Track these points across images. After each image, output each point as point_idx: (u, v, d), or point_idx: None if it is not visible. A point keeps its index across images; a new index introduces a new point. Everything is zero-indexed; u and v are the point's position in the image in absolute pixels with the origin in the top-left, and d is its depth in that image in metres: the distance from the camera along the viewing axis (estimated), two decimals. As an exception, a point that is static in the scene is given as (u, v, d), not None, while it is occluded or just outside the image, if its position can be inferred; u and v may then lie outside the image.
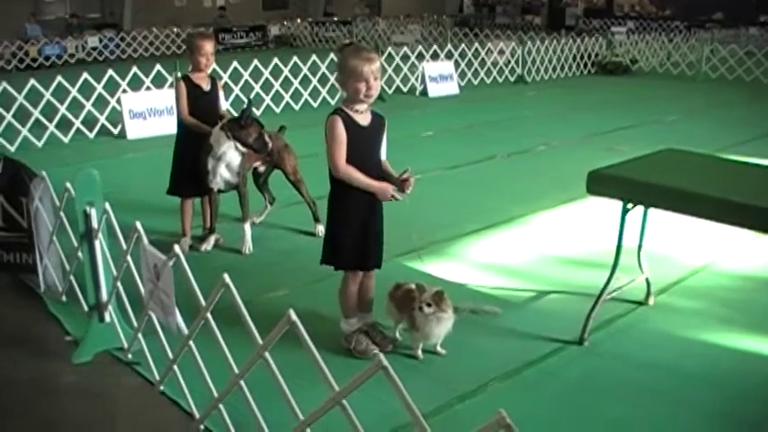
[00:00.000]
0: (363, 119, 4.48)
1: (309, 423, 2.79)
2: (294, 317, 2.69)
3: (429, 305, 4.41)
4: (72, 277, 5.16)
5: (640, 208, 4.89)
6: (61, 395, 4.32)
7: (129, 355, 4.55)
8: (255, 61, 14.35)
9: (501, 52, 19.45)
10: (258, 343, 2.98)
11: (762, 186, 4.45)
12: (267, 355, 2.96)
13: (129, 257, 4.24)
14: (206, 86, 6.53)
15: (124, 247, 4.20)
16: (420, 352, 4.63)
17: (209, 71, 6.62)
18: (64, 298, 5.39)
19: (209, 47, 6.45)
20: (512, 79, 18.77)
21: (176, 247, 3.57)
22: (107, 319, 4.62)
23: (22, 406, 4.22)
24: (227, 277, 3.13)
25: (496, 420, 2.00)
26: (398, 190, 4.51)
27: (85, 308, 4.79)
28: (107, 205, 4.41)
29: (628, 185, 4.56)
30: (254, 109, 6.56)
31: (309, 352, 2.62)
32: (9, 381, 4.48)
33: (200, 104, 6.41)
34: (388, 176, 4.60)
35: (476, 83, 18.06)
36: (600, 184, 4.66)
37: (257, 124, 6.31)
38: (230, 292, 3.08)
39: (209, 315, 3.35)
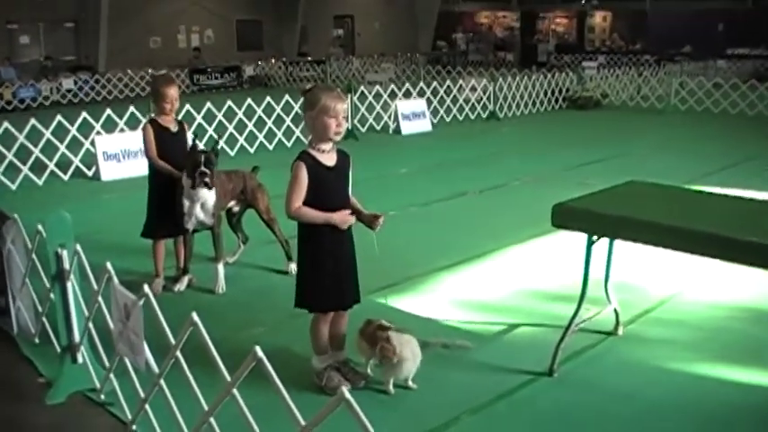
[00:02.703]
0: (329, 159, 4.55)
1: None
2: (260, 353, 2.74)
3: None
4: (44, 318, 5.18)
5: (606, 240, 5.00)
6: (34, 437, 4.33)
7: (102, 396, 4.56)
8: (229, 102, 14.45)
9: (473, 89, 19.71)
10: (226, 380, 3.02)
11: (725, 216, 4.55)
12: (235, 391, 3.00)
13: (100, 298, 4.27)
14: (174, 128, 6.58)
15: (95, 287, 4.23)
16: (391, 387, 4.67)
17: (174, 114, 6.65)
18: (37, 339, 5.39)
19: (173, 92, 6.49)
20: (484, 116, 18.96)
21: (146, 287, 3.61)
22: (80, 360, 4.64)
23: (-6, 449, 4.23)
24: (195, 316, 3.17)
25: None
26: (368, 227, 4.62)
27: (58, 349, 4.79)
28: (78, 247, 4.44)
29: (591, 218, 4.65)
30: (218, 146, 6.58)
31: (275, 387, 2.66)
32: (-18, 423, 4.49)
33: (169, 147, 6.45)
34: (357, 213, 4.68)
35: (448, 120, 18.25)
36: (564, 217, 4.76)
37: (201, 156, 6.25)
38: (198, 330, 3.12)
39: (179, 354, 3.39)
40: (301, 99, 4.65)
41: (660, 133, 16.39)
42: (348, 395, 2.39)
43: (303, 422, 2.60)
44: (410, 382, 4.71)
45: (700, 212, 4.64)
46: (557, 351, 4.92)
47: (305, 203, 4.47)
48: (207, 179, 6.17)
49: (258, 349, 2.75)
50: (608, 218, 4.59)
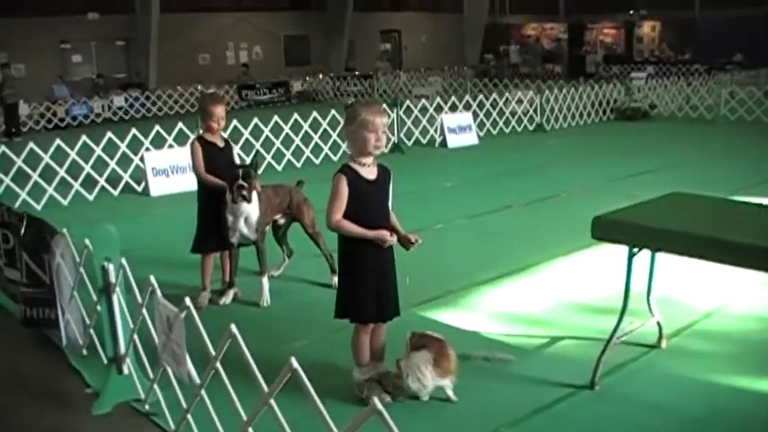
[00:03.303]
0: (370, 173, 4.62)
1: (313, 468, 2.88)
2: (296, 364, 2.79)
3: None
4: (92, 331, 5.31)
5: (648, 253, 4.97)
6: (81, 446, 4.44)
7: (147, 406, 4.66)
8: (276, 117, 14.60)
9: (519, 101, 19.64)
10: (264, 390, 3.07)
11: (768, 227, 4.49)
12: (273, 402, 3.05)
13: (144, 310, 4.37)
14: (221, 144, 6.71)
15: (139, 300, 4.33)
16: (426, 396, 4.71)
17: (221, 131, 6.78)
18: (84, 351, 5.53)
19: (220, 110, 6.62)
20: (531, 128, 18.91)
21: (187, 300, 3.69)
22: (125, 371, 4.74)
23: (42, 458, 4.34)
24: (233, 328, 3.24)
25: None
26: (403, 247, 4.67)
27: (105, 360, 4.91)
28: (123, 260, 4.55)
29: (630, 230, 4.63)
30: (257, 160, 6.68)
31: (310, 396, 2.71)
32: (32, 430, 4.60)
33: (216, 162, 6.55)
34: (395, 229, 4.74)
35: (495, 133, 18.23)
36: (604, 229, 4.74)
37: (240, 170, 6.36)
38: (237, 342, 3.19)
39: (218, 365, 3.46)
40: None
41: (709, 144, 16.18)
42: (380, 406, 2.42)
43: (336, 431, 2.64)
44: (450, 394, 4.73)
45: (742, 223, 4.58)
46: (598, 364, 4.90)
47: (345, 215, 4.54)
48: (244, 192, 6.26)
49: (294, 360, 2.80)
50: (648, 230, 4.56)
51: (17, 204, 10.27)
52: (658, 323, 5.44)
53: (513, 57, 41.71)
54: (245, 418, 3.31)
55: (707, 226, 4.51)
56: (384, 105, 15.67)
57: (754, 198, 7.97)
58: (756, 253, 4.09)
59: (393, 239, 4.64)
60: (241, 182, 6.24)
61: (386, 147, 14.01)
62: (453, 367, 4.68)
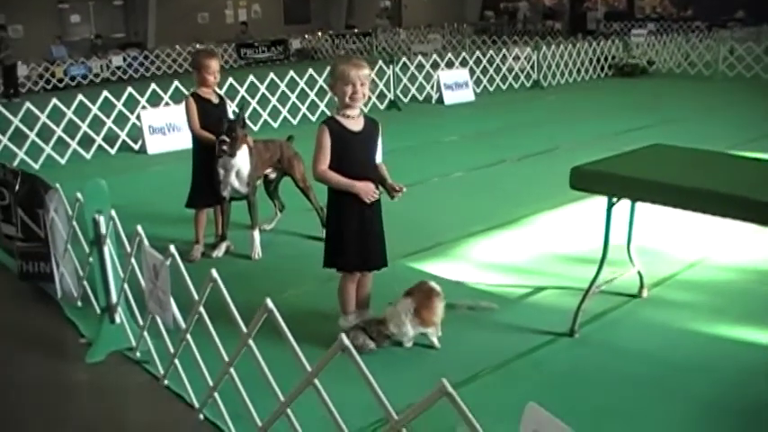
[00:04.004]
0: (355, 124, 4.73)
1: (288, 404, 3.01)
2: (271, 305, 2.91)
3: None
4: (85, 282, 5.44)
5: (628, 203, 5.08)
6: (75, 392, 4.60)
7: (138, 354, 4.81)
8: (272, 74, 14.62)
9: (516, 58, 19.60)
10: (243, 331, 3.20)
11: (750, 177, 4.53)
12: (252, 343, 3.18)
13: (133, 260, 4.49)
14: (215, 100, 6.78)
15: (129, 250, 4.46)
16: (408, 342, 4.87)
17: (215, 87, 6.84)
18: (79, 303, 5.66)
19: (215, 64, 6.69)
20: (528, 85, 18.91)
21: (172, 248, 3.81)
22: (117, 320, 4.87)
23: (38, 403, 4.49)
24: (214, 272, 3.36)
25: (438, 389, 2.19)
26: (388, 194, 4.79)
27: (98, 311, 5.04)
28: (113, 212, 4.66)
29: (609, 180, 4.72)
30: (243, 115, 6.71)
31: (284, 335, 2.83)
32: (28, 380, 4.76)
33: (211, 117, 6.60)
34: (381, 180, 4.86)
35: (492, 90, 18.23)
36: (583, 179, 4.83)
37: (225, 125, 6.40)
38: (217, 286, 3.31)
39: (202, 309, 3.58)
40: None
41: (706, 100, 16.20)
42: (347, 342, 2.55)
43: (309, 368, 2.76)
44: (434, 341, 4.87)
45: (722, 174, 4.63)
46: (577, 312, 5.02)
47: (331, 166, 4.66)
48: (225, 147, 6.31)
49: (269, 301, 2.92)
50: (626, 179, 4.63)
51: (15, 163, 10.34)
52: (639, 273, 5.55)
53: (526, 12, 41.17)
54: (226, 359, 3.44)
55: (686, 176, 4.57)
56: (380, 62, 15.68)
57: (749, 153, 8.05)
58: (736, 203, 4.13)
59: (376, 195, 4.76)
60: (222, 137, 6.30)
61: (382, 105, 14.01)
62: (434, 318, 4.81)
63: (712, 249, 6.56)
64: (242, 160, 6.51)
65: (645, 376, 4.49)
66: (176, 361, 4.10)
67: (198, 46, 26.52)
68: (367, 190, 4.70)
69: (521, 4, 41.84)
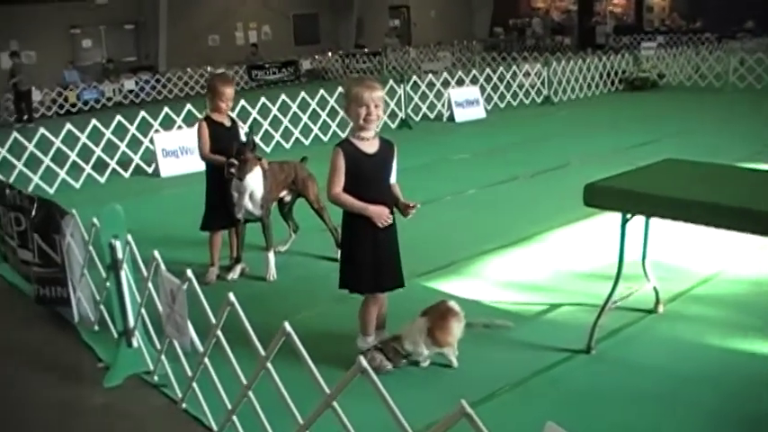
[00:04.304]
0: (370, 146, 4.75)
1: (307, 426, 3.02)
2: (289, 328, 2.92)
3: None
4: (102, 307, 5.47)
5: (643, 220, 5.08)
6: (93, 416, 4.62)
7: (156, 378, 4.83)
8: (283, 95, 14.69)
9: (527, 74, 19.64)
10: (261, 354, 3.21)
11: (761, 191, 4.55)
12: (270, 366, 3.19)
13: (150, 284, 4.52)
14: (227, 123, 6.83)
15: (145, 275, 4.49)
16: (425, 362, 4.89)
17: (228, 112, 6.90)
18: (96, 327, 5.70)
19: (230, 92, 6.75)
20: (538, 101, 18.92)
21: (189, 272, 3.83)
22: (135, 344, 4.90)
23: (56, 427, 4.53)
24: (231, 296, 3.38)
25: (458, 410, 2.20)
26: (401, 214, 4.80)
27: (115, 335, 5.07)
28: (129, 237, 4.69)
29: (623, 196, 4.73)
30: (251, 137, 6.74)
31: (302, 359, 2.84)
32: (45, 404, 4.80)
33: (223, 141, 6.62)
34: (395, 200, 4.88)
35: (502, 106, 18.26)
36: (597, 196, 4.84)
37: (234, 148, 6.43)
38: (234, 310, 3.33)
39: (219, 333, 3.60)
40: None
41: (717, 112, 16.18)
42: (366, 364, 2.56)
43: (328, 390, 2.77)
44: (452, 359, 4.88)
45: (735, 188, 4.64)
46: (594, 329, 5.02)
47: (345, 188, 4.68)
48: (233, 170, 6.34)
49: (287, 324, 2.93)
50: (639, 195, 4.64)
51: (30, 188, 10.43)
52: (655, 288, 5.54)
53: (537, 29, 41.25)
54: (245, 382, 3.46)
55: (698, 191, 4.58)
56: (391, 81, 15.74)
57: (760, 164, 8.02)
58: (749, 216, 4.15)
59: (390, 220, 4.77)
60: (231, 159, 6.34)
61: (393, 124, 14.05)
62: (448, 339, 4.81)
63: (727, 263, 6.54)
64: (255, 182, 6.55)
65: (662, 392, 4.48)
66: (194, 384, 4.11)
67: (209, 69, 26.79)
68: (381, 214, 4.71)
69: (534, 20, 41.94)
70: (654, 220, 5.13)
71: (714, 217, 4.33)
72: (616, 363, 4.86)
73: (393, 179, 4.95)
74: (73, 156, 11.97)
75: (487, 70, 18.90)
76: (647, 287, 5.52)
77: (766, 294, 5.91)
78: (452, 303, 4.96)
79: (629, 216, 4.90)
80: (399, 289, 5.02)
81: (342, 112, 14.83)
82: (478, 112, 17.13)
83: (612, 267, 5.18)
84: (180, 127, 13.48)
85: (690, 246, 6.86)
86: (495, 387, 4.59)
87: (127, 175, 12.30)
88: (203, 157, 6.71)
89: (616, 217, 4.97)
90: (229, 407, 3.73)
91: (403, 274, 5.01)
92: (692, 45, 27.62)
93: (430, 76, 18.06)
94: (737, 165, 7.50)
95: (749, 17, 34.24)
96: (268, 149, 13.29)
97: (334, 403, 2.76)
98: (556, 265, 6.80)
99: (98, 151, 12.28)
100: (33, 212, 5.98)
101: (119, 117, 12.94)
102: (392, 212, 4.83)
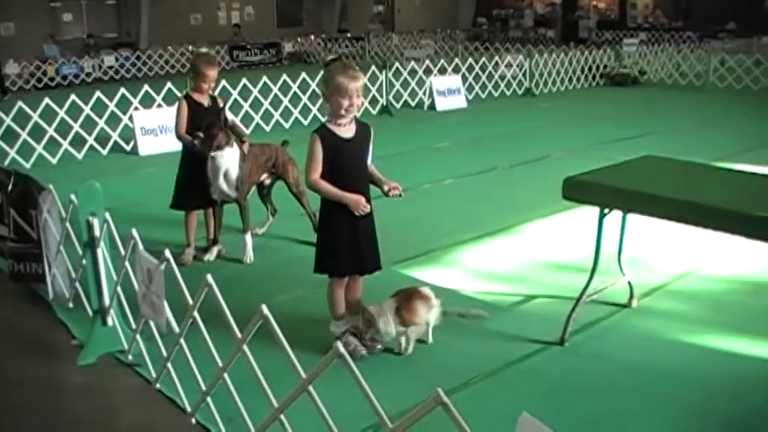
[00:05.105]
0: (347, 131, 4.74)
1: (282, 410, 3.03)
2: (266, 311, 2.92)
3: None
4: (78, 284, 5.44)
5: (620, 215, 5.12)
6: (66, 394, 4.60)
7: (130, 357, 4.81)
8: (265, 78, 14.63)
9: (509, 65, 19.65)
10: (238, 337, 3.21)
11: (738, 190, 4.62)
12: (246, 348, 3.19)
13: (127, 263, 4.50)
14: (207, 103, 6.80)
15: (123, 253, 4.47)
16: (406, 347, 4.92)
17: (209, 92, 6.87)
18: (71, 304, 5.67)
19: (213, 73, 6.72)
20: (520, 92, 18.96)
21: (166, 252, 3.82)
22: (110, 323, 4.88)
23: (30, 404, 4.50)
24: (209, 278, 3.38)
25: (433, 398, 2.22)
26: (384, 194, 4.81)
27: (90, 313, 5.04)
28: (107, 215, 4.67)
29: (601, 191, 4.76)
30: (224, 113, 6.71)
31: (279, 342, 2.85)
32: (19, 381, 4.77)
33: (200, 120, 6.58)
34: (376, 181, 4.88)
35: (484, 96, 18.28)
36: (575, 190, 4.87)
37: (204, 124, 6.44)
38: (212, 291, 3.32)
39: (196, 314, 3.60)
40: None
41: (697, 110, 16.28)
42: (342, 349, 2.56)
43: (304, 375, 2.78)
44: (406, 345, 4.92)
45: (713, 187, 4.70)
46: (568, 321, 5.05)
47: (324, 174, 4.67)
48: (197, 141, 6.33)
49: (264, 307, 2.93)
50: (617, 191, 4.68)
51: (6, 162, 10.36)
52: (629, 283, 5.59)
53: (528, 20, 41.20)
54: (220, 364, 3.46)
55: (677, 189, 4.63)
56: (373, 67, 15.72)
57: (737, 165, 8.09)
58: (725, 217, 4.19)
59: (367, 209, 4.75)
60: (197, 132, 6.35)
61: (374, 110, 13.98)
62: (414, 319, 4.85)
63: (702, 261, 6.60)
64: (230, 162, 6.50)
65: (634, 385, 4.53)
66: (169, 365, 4.11)
67: (191, 48, 26.58)
68: (358, 202, 4.70)
69: (525, 12, 41.97)
70: (631, 216, 5.18)
71: (692, 216, 4.36)
72: (589, 355, 4.90)
73: (369, 161, 4.94)
74: (50, 131, 11.84)
75: (470, 60, 18.89)
76: (622, 281, 5.57)
77: (740, 292, 5.98)
78: (423, 288, 5.02)
79: (606, 211, 4.93)
80: (377, 271, 5.02)
81: (322, 97, 14.85)
82: (460, 102, 17.14)
83: (588, 261, 5.22)
84: (160, 105, 13.36)
85: (666, 242, 6.92)
86: (470, 376, 4.61)
87: (105, 152, 12.19)
88: (178, 136, 6.70)
89: (594, 211, 5.01)
90: (204, 388, 3.73)
91: (380, 257, 5.02)
92: (674, 43, 27.74)
93: (412, 63, 18.04)
94: (716, 164, 7.57)
95: (731, 18, 34.44)
96: (248, 131, 13.21)
97: (310, 387, 2.77)
98: (532, 257, 6.84)
99: (76, 127, 12.18)
100: (10, 187, 5.93)
101: (98, 93, 12.81)
102: (369, 199, 4.82)
